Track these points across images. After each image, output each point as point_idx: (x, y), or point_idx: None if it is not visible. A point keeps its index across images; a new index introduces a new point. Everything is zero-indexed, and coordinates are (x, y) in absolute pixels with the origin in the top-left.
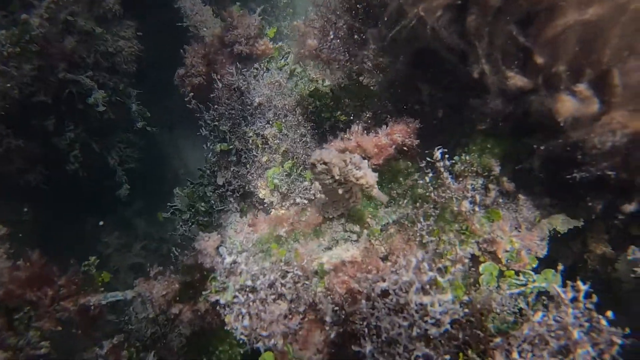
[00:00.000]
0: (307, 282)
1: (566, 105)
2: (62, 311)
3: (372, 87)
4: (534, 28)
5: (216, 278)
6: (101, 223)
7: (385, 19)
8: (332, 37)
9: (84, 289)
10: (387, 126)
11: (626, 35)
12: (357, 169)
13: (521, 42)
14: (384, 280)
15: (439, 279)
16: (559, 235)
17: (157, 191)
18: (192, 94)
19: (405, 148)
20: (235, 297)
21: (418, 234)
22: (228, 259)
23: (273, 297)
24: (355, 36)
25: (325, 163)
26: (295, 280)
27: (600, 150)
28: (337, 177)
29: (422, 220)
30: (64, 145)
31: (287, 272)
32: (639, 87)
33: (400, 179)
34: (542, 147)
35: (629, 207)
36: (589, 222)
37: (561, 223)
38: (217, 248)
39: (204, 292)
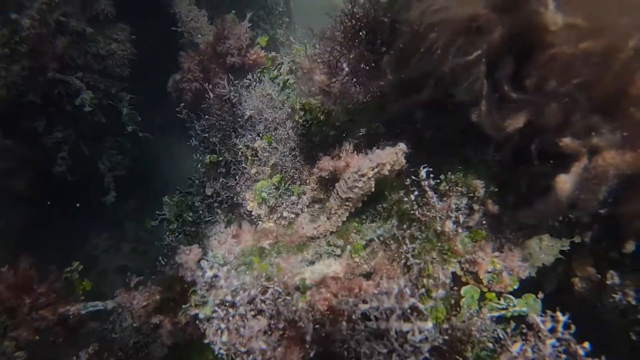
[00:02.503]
0: (287, 298)
1: (565, 187)
2: (41, 320)
3: (365, 100)
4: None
5: (196, 292)
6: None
7: (400, 45)
8: (346, 69)
9: (64, 298)
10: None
11: None
12: (402, 155)
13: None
14: (365, 303)
15: (420, 306)
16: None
17: (149, 195)
18: (184, 101)
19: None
20: (214, 311)
21: (403, 256)
22: (209, 273)
23: (253, 312)
24: (363, 65)
25: (378, 165)
26: (275, 296)
27: (596, 201)
28: (387, 173)
29: (407, 242)
30: (51, 145)
31: (268, 287)
32: None
33: (386, 193)
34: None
35: (630, 247)
36: (573, 245)
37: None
38: (199, 261)
39: (184, 306)
